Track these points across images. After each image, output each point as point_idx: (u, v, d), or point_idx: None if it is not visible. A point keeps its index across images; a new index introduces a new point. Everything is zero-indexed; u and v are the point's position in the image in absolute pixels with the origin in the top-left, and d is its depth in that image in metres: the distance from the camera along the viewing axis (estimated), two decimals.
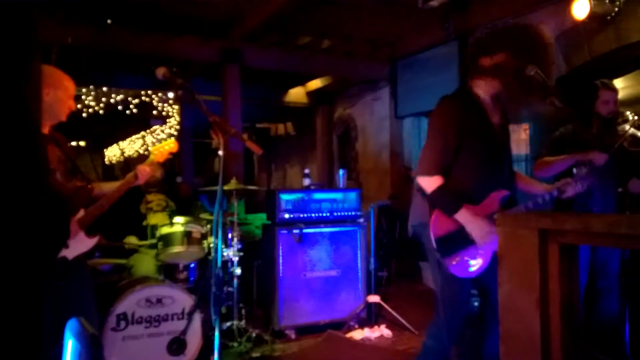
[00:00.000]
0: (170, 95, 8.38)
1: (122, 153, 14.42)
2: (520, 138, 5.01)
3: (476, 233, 2.15)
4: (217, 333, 1.81)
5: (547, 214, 1.38)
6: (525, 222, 1.39)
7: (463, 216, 2.15)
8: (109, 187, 2.48)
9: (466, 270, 2.19)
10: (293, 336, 3.88)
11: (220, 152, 1.80)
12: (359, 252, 4.18)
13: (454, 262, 2.17)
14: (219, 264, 1.82)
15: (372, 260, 4.23)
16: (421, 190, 2.26)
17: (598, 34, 4.28)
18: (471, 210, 2.17)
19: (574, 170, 2.25)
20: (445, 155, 2.20)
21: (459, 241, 2.18)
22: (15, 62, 0.76)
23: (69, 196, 2.31)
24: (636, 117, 3.24)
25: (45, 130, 2.33)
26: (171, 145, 2.61)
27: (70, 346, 1.16)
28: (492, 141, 2.26)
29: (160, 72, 1.94)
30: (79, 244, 2.33)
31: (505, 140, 2.37)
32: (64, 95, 2.31)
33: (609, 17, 4.11)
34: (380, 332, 3.93)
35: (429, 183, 2.20)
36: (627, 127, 2.95)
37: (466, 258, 2.19)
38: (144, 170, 2.46)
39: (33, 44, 0.79)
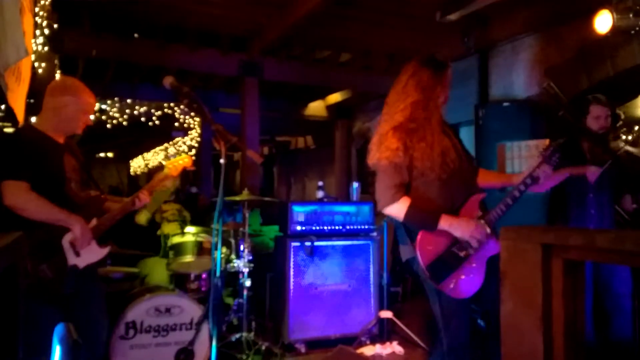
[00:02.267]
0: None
1: (146, 165, 14.67)
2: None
3: (465, 233, 2.05)
4: (214, 344, 1.80)
5: (551, 228, 1.32)
6: (528, 237, 1.33)
7: (446, 222, 2.05)
8: (115, 205, 2.50)
9: (466, 289, 2.09)
10: (303, 350, 3.83)
11: (222, 161, 1.80)
12: (371, 266, 4.12)
13: (451, 286, 2.07)
14: (218, 273, 1.80)
15: (384, 275, 4.16)
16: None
17: (622, 48, 4.18)
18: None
19: (541, 151, 2.17)
20: (401, 176, 2.11)
21: (450, 262, 2.08)
22: None
23: (81, 205, 2.34)
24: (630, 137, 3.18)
25: (61, 139, 2.36)
26: (185, 160, 2.62)
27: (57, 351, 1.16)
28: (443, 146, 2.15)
29: (168, 80, 1.95)
30: (91, 254, 2.34)
31: (453, 138, 2.25)
32: (82, 108, 2.35)
33: (633, 32, 4.01)
34: (392, 348, 3.84)
35: (398, 209, 2.08)
36: (621, 143, 2.89)
37: (463, 277, 2.09)
38: (144, 198, 2.48)
39: None
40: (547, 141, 4.56)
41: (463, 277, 2.10)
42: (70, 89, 2.33)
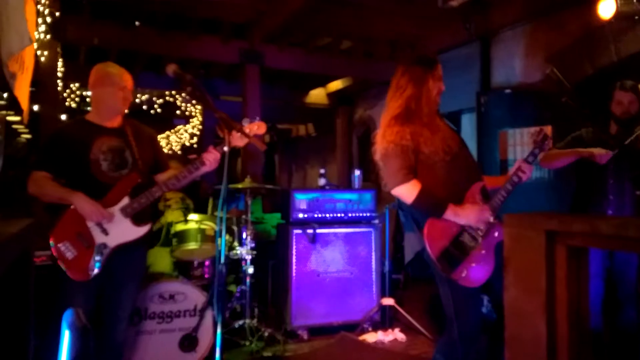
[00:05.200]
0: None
1: None
2: None
3: (471, 219, 2.10)
4: (219, 330, 1.80)
5: (554, 214, 1.33)
6: (531, 224, 1.34)
7: (452, 212, 2.10)
8: (165, 177, 2.50)
9: (477, 277, 2.12)
10: (305, 337, 3.87)
11: (225, 148, 1.80)
12: (373, 253, 4.14)
13: (463, 275, 2.10)
14: (222, 260, 1.81)
15: (386, 262, 4.18)
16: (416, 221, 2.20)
17: (626, 34, 4.15)
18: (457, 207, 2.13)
19: (534, 137, 2.27)
20: (410, 158, 2.15)
21: (459, 251, 2.11)
22: None
23: (109, 184, 2.35)
24: None
25: (110, 123, 2.43)
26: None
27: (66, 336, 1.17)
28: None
29: (171, 68, 1.95)
30: (123, 232, 2.33)
31: (450, 127, 2.34)
32: (116, 95, 2.40)
33: (637, 17, 3.98)
34: (394, 335, 3.87)
35: (408, 191, 2.11)
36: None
37: (473, 265, 2.11)
38: (213, 156, 2.35)
39: None
40: (549, 128, 4.55)
41: (474, 265, 2.12)
42: (102, 81, 2.40)
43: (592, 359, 1.29)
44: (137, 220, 2.37)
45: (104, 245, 2.26)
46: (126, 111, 2.53)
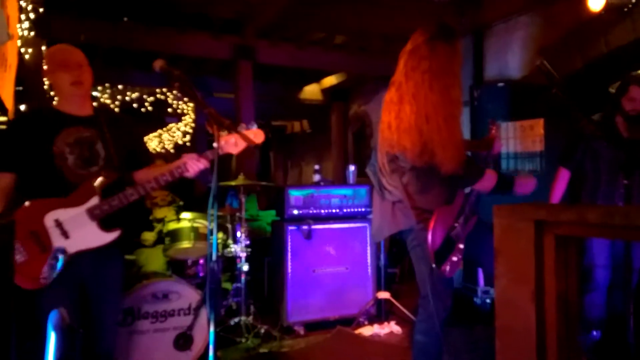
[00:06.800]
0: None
1: None
2: (536, 134, 4.89)
3: (528, 190, 2.28)
4: (212, 329, 1.79)
5: (543, 205, 1.33)
6: (521, 214, 1.34)
7: (517, 186, 2.26)
8: (145, 176, 2.24)
9: (456, 268, 2.27)
10: (302, 332, 3.87)
11: (215, 145, 1.78)
12: (368, 248, 4.14)
13: (447, 268, 2.23)
14: (214, 257, 1.79)
15: (382, 256, 4.18)
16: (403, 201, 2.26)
17: (615, 26, 4.15)
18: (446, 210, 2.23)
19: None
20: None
21: (448, 247, 2.23)
22: None
23: (75, 183, 2.07)
24: None
25: (80, 111, 2.16)
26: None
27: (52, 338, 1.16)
28: None
29: (158, 64, 1.90)
30: (87, 237, 2.04)
31: None
32: (66, 77, 2.13)
33: (626, 9, 3.99)
34: (389, 328, 3.89)
35: (489, 180, 2.21)
36: None
37: (455, 259, 2.25)
38: (194, 164, 2.16)
39: None
40: (541, 120, 4.55)
41: (455, 258, 2.25)
42: (52, 66, 2.16)
43: (579, 346, 1.29)
44: (105, 225, 2.07)
45: (62, 250, 1.97)
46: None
